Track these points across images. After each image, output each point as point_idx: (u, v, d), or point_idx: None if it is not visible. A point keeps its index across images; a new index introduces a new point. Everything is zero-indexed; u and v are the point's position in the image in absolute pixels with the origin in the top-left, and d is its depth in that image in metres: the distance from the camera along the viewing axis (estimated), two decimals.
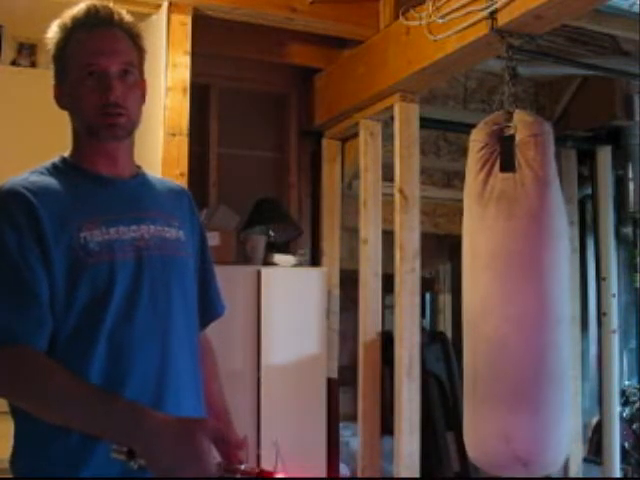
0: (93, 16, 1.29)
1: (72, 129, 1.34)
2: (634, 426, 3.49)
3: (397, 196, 2.79)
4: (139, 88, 1.32)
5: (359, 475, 3.03)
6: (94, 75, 1.25)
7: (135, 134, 1.36)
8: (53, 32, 1.31)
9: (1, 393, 1.17)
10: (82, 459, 1.16)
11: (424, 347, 2.97)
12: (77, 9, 1.29)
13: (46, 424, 1.14)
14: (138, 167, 1.40)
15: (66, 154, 1.34)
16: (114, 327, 1.19)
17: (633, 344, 3.71)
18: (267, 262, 3.09)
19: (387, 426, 2.96)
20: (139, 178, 1.38)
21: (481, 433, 2.13)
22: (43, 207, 1.20)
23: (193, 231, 1.42)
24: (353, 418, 3.17)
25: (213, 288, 1.50)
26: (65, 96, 1.30)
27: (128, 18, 1.33)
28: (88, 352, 1.17)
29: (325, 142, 3.41)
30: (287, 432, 2.88)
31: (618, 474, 3.36)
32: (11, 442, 1.23)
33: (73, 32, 1.29)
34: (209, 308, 1.48)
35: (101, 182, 1.30)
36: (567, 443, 2.17)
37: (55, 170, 1.30)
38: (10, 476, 1.23)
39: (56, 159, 1.33)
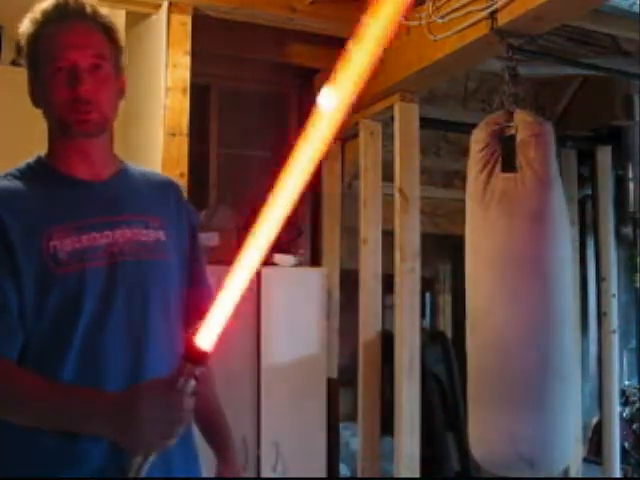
0: (63, 8, 1.23)
1: (47, 127, 1.28)
2: (634, 426, 3.49)
3: (397, 196, 2.79)
4: (113, 82, 1.26)
5: (359, 475, 3.03)
6: (63, 70, 1.20)
7: (113, 130, 1.30)
8: (24, 27, 1.26)
9: None
10: (60, 461, 1.14)
11: (424, 347, 2.96)
12: (47, 2, 1.24)
13: (21, 430, 1.13)
14: (121, 162, 1.34)
15: (43, 153, 1.29)
16: (85, 336, 1.16)
17: (633, 344, 3.71)
18: (267, 262, 3.09)
19: (387, 426, 2.96)
20: (118, 178, 1.31)
21: (486, 433, 2.12)
22: (11, 215, 1.16)
23: (180, 224, 1.36)
24: (353, 418, 3.17)
25: (205, 290, 1.41)
26: (38, 93, 1.26)
27: (102, 11, 1.27)
28: (59, 361, 1.15)
29: None
30: (287, 432, 2.88)
31: (618, 474, 3.36)
32: None
33: (43, 26, 1.23)
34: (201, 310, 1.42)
35: (75, 185, 1.25)
36: (572, 443, 2.17)
37: (29, 171, 1.26)
38: None
39: (32, 159, 1.29)
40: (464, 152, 2.34)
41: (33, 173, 1.26)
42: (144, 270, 1.25)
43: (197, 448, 1.34)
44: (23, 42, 1.27)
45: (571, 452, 2.20)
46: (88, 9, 1.25)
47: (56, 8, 1.24)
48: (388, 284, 2.95)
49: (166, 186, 1.40)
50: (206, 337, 0.94)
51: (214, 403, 1.46)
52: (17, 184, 1.23)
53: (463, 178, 2.26)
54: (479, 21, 2.22)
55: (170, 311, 1.29)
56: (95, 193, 1.26)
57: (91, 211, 1.23)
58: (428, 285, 3.96)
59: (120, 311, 1.20)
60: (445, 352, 3.72)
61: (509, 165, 2.09)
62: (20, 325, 1.14)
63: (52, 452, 1.15)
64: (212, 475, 1.36)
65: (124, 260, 1.22)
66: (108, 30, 1.27)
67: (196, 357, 0.96)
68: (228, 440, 1.45)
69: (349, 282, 3.26)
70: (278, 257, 3.11)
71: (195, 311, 1.30)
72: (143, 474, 1.01)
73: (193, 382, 0.99)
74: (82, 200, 1.24)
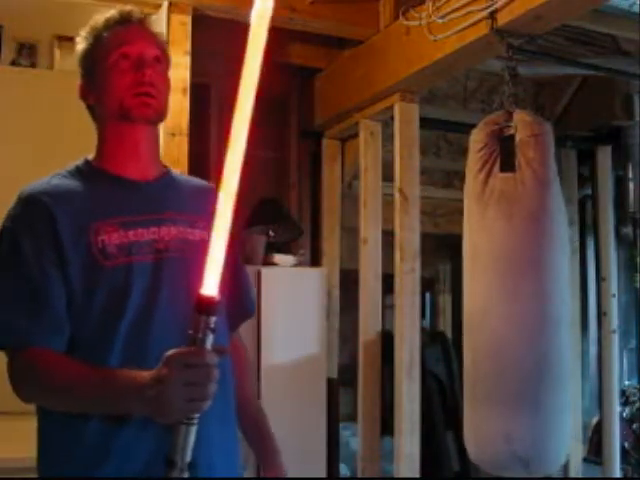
0: (126, 16, 1.34)
1: (97, 129, 1.36)
2: (634, 426, 3.49)
3: (397, 196, 2.79)
4: (168, 80, 1.35)
5: (359, 475, 3.03)
6: (129, 58, 1.28)
7: (161, 129, 1.39)
8: (85, 32, 1.35)
9: (23, 396, 1.19)
10: (102, 459, 1.18)
11: (424, 347, 2.97)
12: (109, 13, 1.34)
13: (67, 426, 1.18)
14: (165, 167, 1.42)
15: (90, 157, 1.35)
16: (131, 329, 1.20)
17: (633, 344, 3.71)
18: (267, 262, 3.09)
19: (387, 426, 2.96)
20: (163, 179, 1.38)
21: (481, 433, 2.13)
22: (61, 212, 1.22)
23: None
24: (353, 418, 3.17)
25: (243, 287, 1.49)
26: (93, 89, 1.33)
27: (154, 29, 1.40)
28: (106, 352, 1.18)
29: (325, 142, 3.41)
30: (287, 432, 2.87)
31: (618, 474, 3.36)
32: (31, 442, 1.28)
33: (105, 30, 1.32)
34: (238, 308, 1.46)
35: (122, 184, 1.31)
36: (568, 443, 2.17)
37: (77, 173, 1.32)
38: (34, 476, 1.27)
39: (80, 162, 1.35)
40: (464, 152, 2.34)
41: (81, 173, 1.32)
42: (188, 267, 1.27)
43: (237, 435, 1.38)
44: (81, 46, 1.35)
45: (566, 452, 2.20)
46: (145, 20, 1.37)
47: (120, 15, 1.34)
48: (388, 284, 2.94)
49: (208, 190, 1.46)
50: (209, 287, 0.97)
51: (255, 404, 1.53)
52: (66, 182, 1.29)
53: (463, 178, 2.26)
54: (479, 21, 2.22)
55: None
56: (142, 192, 1.32)
57: (138, 208, 1.29)
58: (428, 285, 3.96)
59: (165, 306, 1.23)
60: (445, 352, 3.72)
61: (508, 165, 2.09)
62: (66, 317, 1.20)
63: (96, 447, 1.18)
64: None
65: (169, 256, 1.27)
66: (161, 42, 1.39)
67: (207, 306, 0.97)
68: (272, 442, 1.51)
69: (349, 282, 3.26)
70: (278, 257, 3.11)
71: (232, 308, 1.38)
72: (188, 454, 0.99)
73: (211, 336, 0.99)
74: (129, 198, 1.29)
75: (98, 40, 1.32)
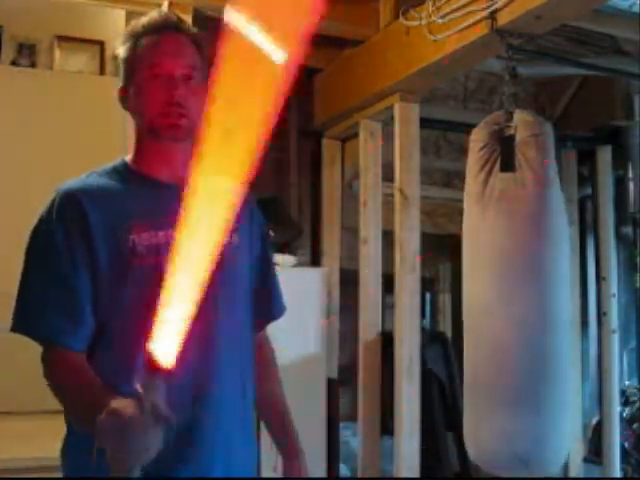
0: (160, 22, 1.37)
1: (135, 132, 1.39)
2: (634, 426, 3.48)
3: (397, 196, 2.79)
4: (202, 92, 1.33)
5: (359, 475, 3.03)
6: (159, 77, 1.31)
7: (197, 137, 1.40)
8: (125, 37, 1.38)
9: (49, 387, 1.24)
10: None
11: (424, 347, 2.96)
12: (147, 17, 1.38)
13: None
14: None
15: (127, 157, 1.40)
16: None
17: (633, 344, 3.71)
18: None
19: (387, 426, 2.96)
20: None
21: (481, 433, 2.13)
22: (95, 209, 1.27)
23: (251, 227, 1.47)
24: (353, 418, 3.17)
25: (272, 291, 1.57)
26: (131, 98, 1.36)
27: (193, 28, 1.42)
28: (133, 350, 1.18)
29: (325, 142, 3.41)
30: None
31: (618, 474, 3.36)
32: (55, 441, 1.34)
33: (142, 37, 1.35)
34: (265, 310, 1.53)
35: (155, 185, 1.34)
36: (568, 443, 2.17)
37: (113, 172, 1.36)
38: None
39: (117, 162, 1.39)
40: (464, 152, 2.34)
41: (116, 173, 1.36)
42: (216, 271, 1.29)
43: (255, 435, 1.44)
44: (121, 51, 1.38)
45: (567, 452, 2.20)
46: (181, 24, 1.39)
47: (154, 21, 1.37)
48: (388, 284, 2.94)
49: (246, 200, 1.49)
50: (165, 345, 0.97)
51: (283, 403, 1.55)
52: (100, 181, 1.34)
53: (463, 178, 2.27)
54: (479, 21, 2.22)
55: (238, 311, 1.38)
56: (173, 194, 1.32)
57: (168, 210, 1.30)
58: (428, 285, 3.96)
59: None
60: (445, 352, 3.71)
61: (508, 165, 2.10)
62: (91, 314, 1.25)
63: None
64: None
65: None
66: (198, 43, 1.40)
67: (155, 367, 0.98)
68: (297, 442, 1.52)
69: (349, 282, 3.26)
70: (278, 257, 3.11)
71: (258, 309, 1.45)
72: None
73: (159, 404, 0.99)
74: (161, 199, 1.31)
75: (133, 49, 1.36)
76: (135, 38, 1.36)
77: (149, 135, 1.35)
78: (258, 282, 1.49)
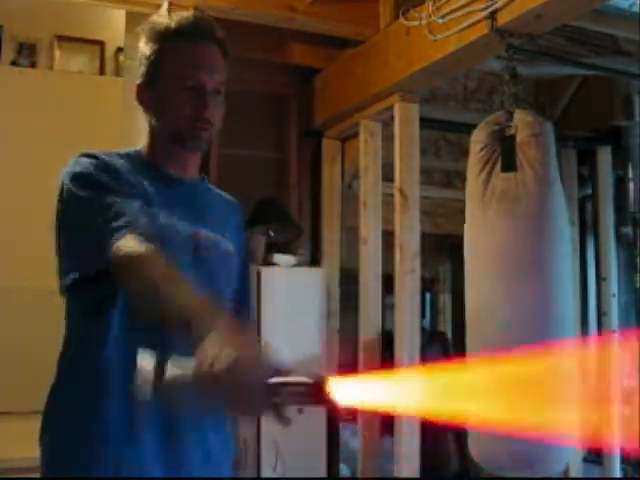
0: (198, 28, 1.31)
1: (149, 128, 1.37)
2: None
3: (397, 196, 2.79)
4: (224, 105, 1.36)
5: (359, 475, 3.03)
6: (192, 89, 1.29)
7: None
8: (151, 33, 1.33)
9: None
10: (103, 442, 1.21)
11: (424, 347, 2.96)
12: (182, 17, 1.32)
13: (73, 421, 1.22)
14: (203, 177, 1.46)
15: (139, 147, 1.38)
16: None
17: None
18: (267, 262, 3.09)
19: (387, 426, 2.96)
20: (201, 184, 1.44)
21: (484, 433, 2.13)
22: (121, 169, 1.28)
23: (239, 245, 1.48)
24: (353, 418, 3.17)
25: (246, 297, 1.58)
26: (152, 99, 1.33)
27: (222, 33, 1.36)
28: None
29: (325, 142, 3.41)
30: (287, 432, 2.87)
31: (618, 474, 3.36)
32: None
33: (174, 40, 1.31)
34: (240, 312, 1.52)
35: (165, 178, 1.35)
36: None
37: (128, 158, 1.35)
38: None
39: (130, 150, 1.38)
40: (464, 152, 2.34)
41: (131, 160, 1.35)
42: (220, 266, 1.36)
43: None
44: (146, 49, 1.33)
45: (569, 453, 2.19)
46: (218, 33, 1.34)
47: (188, 25, 1.31)
48: (388, 284, 2.94)
49: (234, 208, 1.55)
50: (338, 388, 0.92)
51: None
52: (118, 161, 1.31)
53: (463, 178, 2.27)
54: (479, 21, 2.23)
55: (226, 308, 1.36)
56: (183, 190, 1.37)
57: (177, 205, 1.33)
58: (428, 285, 3.96)
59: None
60: (445, 352, 3.72)
61: (509, 165, 2.10)
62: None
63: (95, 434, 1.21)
64: None
65: (204, 255, 1.32)
66: (226, 53, 1.36)
67: (317, 395, 0.93)
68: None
69: (349, 282, 3.26)
70: (278, 257, 3.11)
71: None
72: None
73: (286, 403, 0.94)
74: (170, 193, 1.33)
75: (161, 50, 1.31)
76: (164, 39, 1.31)
77: (170, 139, 1.33)
78: (238, 287, 1.51)
